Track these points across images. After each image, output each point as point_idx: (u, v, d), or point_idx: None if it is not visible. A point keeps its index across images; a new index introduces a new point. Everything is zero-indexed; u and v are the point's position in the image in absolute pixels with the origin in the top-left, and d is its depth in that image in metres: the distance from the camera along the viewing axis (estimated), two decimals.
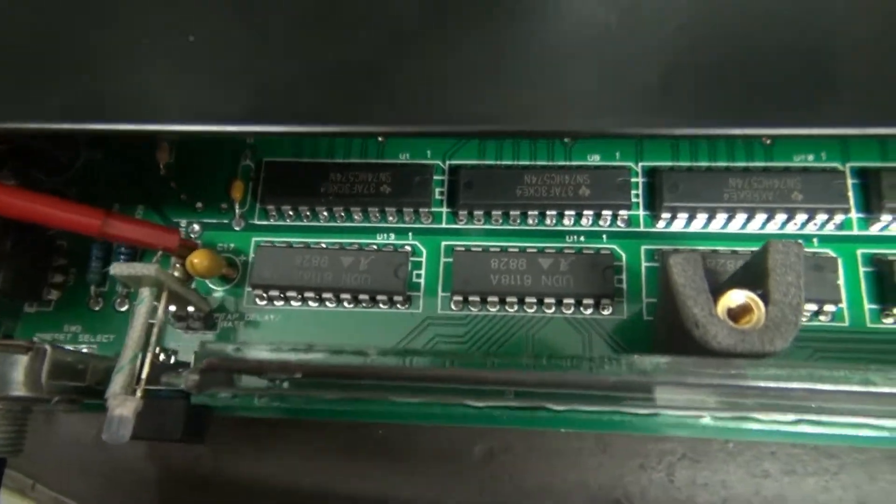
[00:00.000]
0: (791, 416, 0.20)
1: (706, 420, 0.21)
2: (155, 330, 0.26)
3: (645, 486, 0.29)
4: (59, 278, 0.31)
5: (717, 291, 0.22)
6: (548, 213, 0.29)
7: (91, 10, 0.24)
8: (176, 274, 0.29)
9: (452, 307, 0.29)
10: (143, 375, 0.25)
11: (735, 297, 0.21)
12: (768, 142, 0.30)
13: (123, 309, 0.30)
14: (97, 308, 0.30)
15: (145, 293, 0.26)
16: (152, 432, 0.26)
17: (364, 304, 0.29)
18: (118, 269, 0.25)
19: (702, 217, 0.29)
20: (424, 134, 0.23)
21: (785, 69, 0.22)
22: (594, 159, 0.31)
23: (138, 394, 0.24)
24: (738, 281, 0.23)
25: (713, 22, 0.23)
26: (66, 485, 0.32)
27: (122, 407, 0.24)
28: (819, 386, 0.19)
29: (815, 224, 0.29)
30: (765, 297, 0.21)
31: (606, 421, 0.28)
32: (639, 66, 0.22)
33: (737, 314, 0.22)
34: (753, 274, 0.22)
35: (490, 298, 0.28)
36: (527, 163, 0.31)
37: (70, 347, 0.29)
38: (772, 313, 0.21)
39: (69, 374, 0.25)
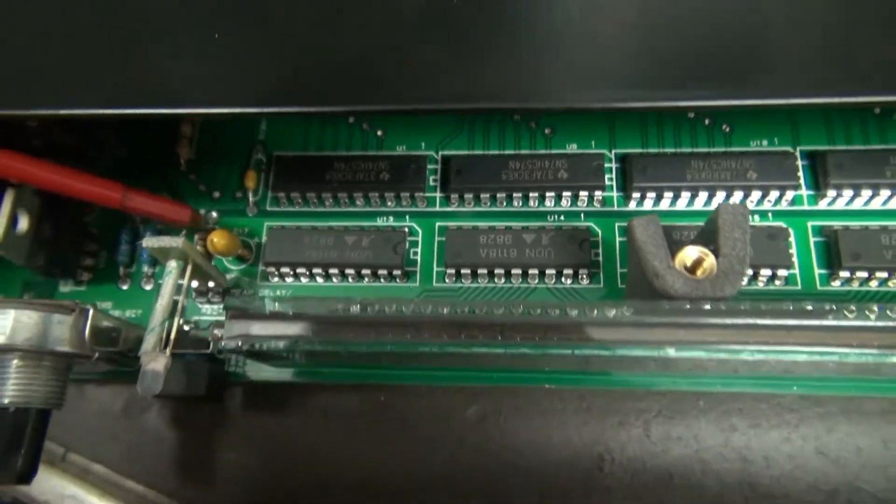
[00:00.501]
0: (740, 346, 0.23)
1: (671, 352, 0.24)
2: (182, 297, 0.29)
3: (624, 442, 0.32)
4: (91, 261, 0.34)
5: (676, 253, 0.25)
6: (530, 195, 0.33)
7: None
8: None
9: (446, 280, 0.32)
10: (172, 336, 0.28)
11: (690, 253, 0.25)
12: (727, 129, 0.34)
13: (149, 288, 0.33)
14: (125, 287, 0.33)
15: (172, 265, 0.29)
16: (180, 389, 0.29)
17: (367, 279, 0.32)
18: (149, 241, 0.28)
19: (668, 196, 0.32)
20: (423, 112, 0.26)
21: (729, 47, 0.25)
22: (572, 147, 0.34)
23: (168, 352, 0.27)
24: (695, 242, 0.26)
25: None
26: (95, 452, 0.34)
27: (154, 362, 0.27)
28: (761, 320, 0.22)
29: (770, 201, 0.32)
30: (716, 252, 0.25)
31: (588, 378, 0.31)
32: (604, 45, 0.25)
33: (692, 268, 0.25)
34: (707, 233, 0.26)
35: (480, 271, 0.31)
36: (511, 152, 0.34)
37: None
38: (721, 264, 0.24)
39: (105, 338, 0.28)
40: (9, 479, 0.26)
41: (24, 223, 0.30)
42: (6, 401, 0.26)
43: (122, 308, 0.33)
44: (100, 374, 0.33)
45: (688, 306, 0.23)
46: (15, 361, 0.26)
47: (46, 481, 0.35)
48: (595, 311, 0.24)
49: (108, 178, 0.31)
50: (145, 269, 0.34)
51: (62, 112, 0.25)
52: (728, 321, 0.23)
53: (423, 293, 0.32)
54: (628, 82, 0.25)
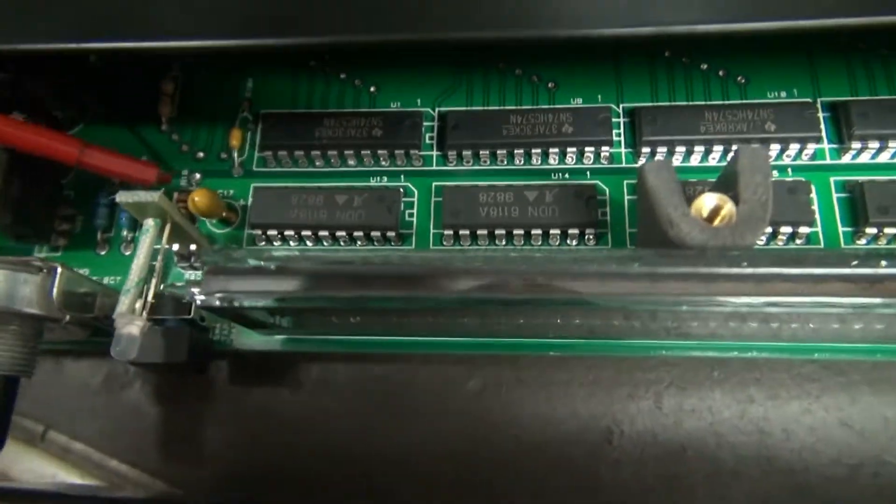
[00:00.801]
0: (760, 299, 0.21)
1: (685, 308, 0.22)
2: (159, 258, 0.27)
3: (633, 414, 0.30)
4: (67, 226, 0.32)
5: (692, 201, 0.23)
6: (533, 151, 0.31)
7: None
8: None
9: (444, 242, 0.30)
10: (149, 299, 0.26)
11: (707, 200, 0.23)
12: (742, 80, 0.31)
13: (128, 253, 0.31)
14: (103, 252, 0.32)
15: (150, 223, 0.27)
16: (159, 356, 0.27)
17: (359, 242, 0.30)
18: (124, 196, 0.26)
19: (680, 151, 0.30)
20: (405, 43, 0.24)
21: None
22: (577, 102, 0.32)
23: (144, 315, 0.26)
24: (713, 190, 0.24)
25: None
26: (74, 429, 0.33)
27: (130, 326, 0.25)
28: (784, 270, 0.20)
29: (789, 155, 0.30)
30: (735, 199, 0.23)
31: (595, 345, 0.29)
32: None
33: (710, 217, 0.23)
34: (726, 179, 0.24)
35: (479, 232, 0.29)
36: (512, 107, 0.32)
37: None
38: (741, 211, 0.22)
39: (79, 302, 0.26)
40: None
41: None
42: None
43: (99, 274, 0.31)
44: (77, 345, 0.31)
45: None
46: None
47: (27, 461, 0.33)
48: (601, 263, 0.22)
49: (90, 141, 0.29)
50: (124, 233, 0.32)
51: (22, 47, 0.24)
52: (749, 271, 0.21)
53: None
54: (630, 6, 0.23)
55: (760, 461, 0.29)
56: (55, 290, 0.24)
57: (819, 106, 0.31)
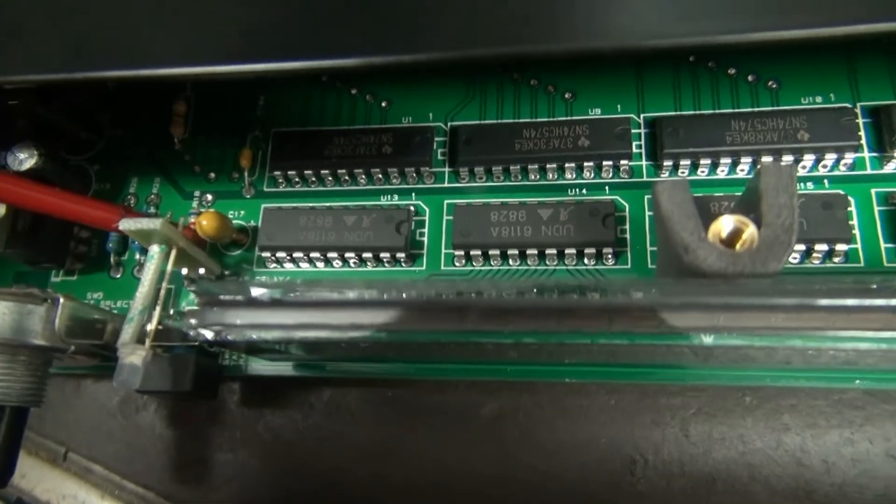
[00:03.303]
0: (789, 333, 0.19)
1: (708, 340, 0.20)
2: (164, 284, 0.27)
3: (658, 442, 0.29)
4: (82, 249, 0.32)
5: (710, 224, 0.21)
6: (548, 166, 0.29)
7: None
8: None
9: (455, 263, 0.29)
10: (152, 327, 0.26)
11: (726, 223, 0.21)
12: (773, 85, 0.29)
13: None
14: (117, 276, 0.32)
15: (154, 249, 0.27)
16: (164, 384, 0.27)
17: (369, 264, 0.30)
18: (127, 224, 0.26)
19: (705, 164, 0.28)
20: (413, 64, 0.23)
21: None
22: (595, 113, 0.30)
23: (147, 344, 0.25)
24: (733, 212, 0.22)
25: None
26: (92, 451, 0.33)
27: (133, 355, 0.25)
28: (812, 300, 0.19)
29: (825, 166, 0.28)
30: (758, 222, 0.21)
31: (616, 371, 0.27)
32: None
33: (729, 240, 0.21)
34: (748, 201, 0.22)
35: (491, 252, 0.28)
36: (526, 120, 0.31)
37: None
38: (764, 234, 0.20)
39: (86, 329, 0.26)
40: None
41: (0, 208, 0.28)
42: None
43: (113, 298, 0.31)
44: (95, 369, 0.31)
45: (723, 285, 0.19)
46: None
47: (49, 480, 0.34)
48: (618, 294, 0.20)
49: (103, 163, 0.29)
50: (137, 256, 0.32)
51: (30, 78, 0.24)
52: (774, 301, 0.19)
53: (429, 278, 0.29)
54: (652, 17, 0.21)
55: (798, 496, 0.27)
56: (58, 321, 0.24)
57: (858, 111, 0.28)
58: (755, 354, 0.25)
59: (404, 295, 0.21)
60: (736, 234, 0.21)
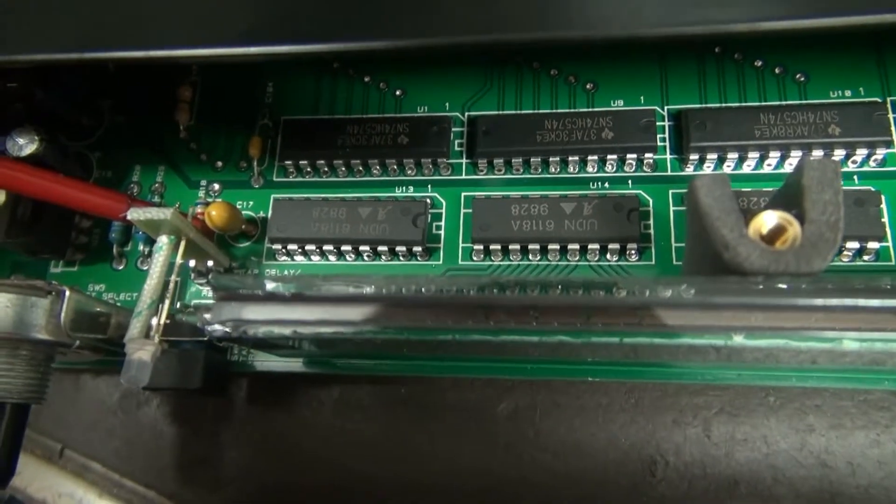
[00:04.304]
0: (830, 332, 0.18)
1: (739, 339, 0.20)
2: (173, 277, 0.26)
3: (679, 443, 0.28)
4: (84, 239, 0.31)
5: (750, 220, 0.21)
6: (570, 159, 0.29)
7: None
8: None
9: (473, 258, 0.28)
10: (161, 321, 0.25)
11: (768, 219, 0.20)
12: (801, 78, 0.29)
13: (146, 268, 0.30)
14: (120, 267, 0.30)
15: (163, 240, 0.26)
16: (173, 381, 0.26)
17: (384, 257, 0.29)
18: (135, 214, 0.25)
19: (732, 158, 0.27)
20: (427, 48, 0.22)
21: None
22: (618, 104, 0.30)
23: (156, 339, 0.24)
24: (772, 207, 0.22)
25: None
26: (92, 448, 0.32)
27: (141, 351, 0.24)
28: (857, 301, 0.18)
29: (855, 162, 0.27)
30: (800, 218, 0.20)
31: (637, 370, 0.27)
32: None
33: (771, 238, 0.20)
34: (788, 196, 0.21)
35: (511, 246, 0.27)
36: (548, 111, 0.30)
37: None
38: (808, 231, 0.20)
39: (91, 323, 0.25)
40: None
41: (0, 195, 0.27)
42: None
43: (115, 290, 0.30)
44: (95, 364, 0.30)
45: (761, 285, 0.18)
46: None
47: (43, 479, 0.33)
48: (648, 291, 0.19)
49: (105, 151, 0.28)
50: (141, 247, 0.30)
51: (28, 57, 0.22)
52: (816, 302, 0.18)
53: (446, 273, 0.28)
54: (671, 5, 0.20)
55: (823, 498, 0.27)
56: (63, 315, 0.23)
57: (889, 106, 0.28)
58: (780, 354, 0.24)
59: (424, 290, 0.20)
60: (777, 232, 0.20)
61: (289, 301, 0.21)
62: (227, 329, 0.21)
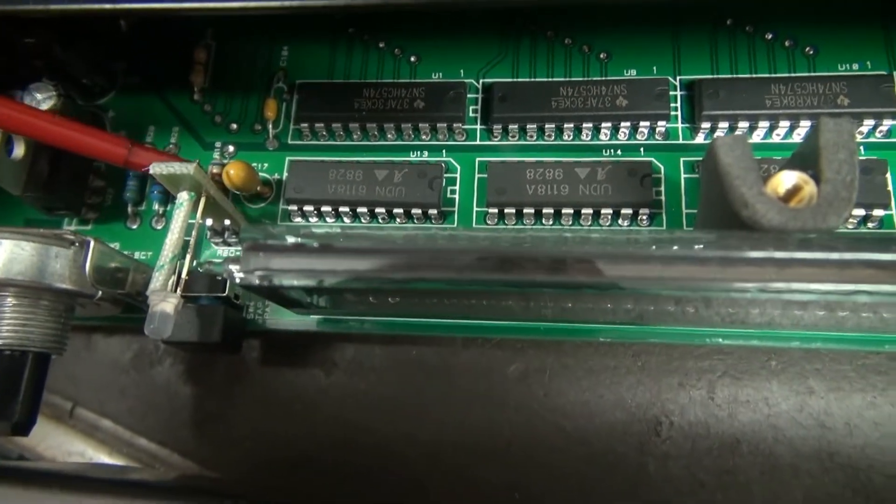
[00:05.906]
0: (845, 286, 0.19)
1: (750, 294, 0.20)
2: (194, 234, 0.26)
3: (684, 404, 0.29)
4: (97, 198, 0.31)
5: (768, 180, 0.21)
6: (584, 126, 0.29)
7: None
8: None
9: (487, 221, 0.29)
10: (183, 275, 0.25)
11: (785, 179, 0.21)
12: (811, 51, 0.29)
13: (160, 227, 0.30)
14: (134, 226, 0.31)
15: (184, 196, 0.26)
16: (193, 335, 0.26)
17: (399, 220, 0.29)
18: (158, 168, 0.25)
19: (742, 127, 0.28)
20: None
21: None
22: (631, 73, 0.30)
23: (178, 292, 0.24)
24: (789, 167, 0.22)
25: None
26: (104, 406, 0.32)
27: (164, 303, 0.24)
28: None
29: (862, 132, 0.28)
30: (816, 178, 0.21)
31: (647, 330, 0.27)
32: None
33: (788, 197, 0.21)
34: (804, 156, 0.22)
35: (526, 210, 0.28)
36: (562, 79, 0.30)
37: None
38: (824, 191, 0.20)
39: (111, 278, 0.25)
40: (4, 429, 0.23)
41: (20, 149, 0.27)
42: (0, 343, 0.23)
43: (130, 249, 0.30)
44: (108, 321, 0.30)
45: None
46: (9, 299, 0.23)
47: (53, 437, 0.33)
48: (674, 245, 0.20)
49: (119, 111, 0.28)
50: (156, 206, 0.30)
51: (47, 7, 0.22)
52: (833, 256, 0.19)
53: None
54: None
55: (821, 457, 0.28)
56: (88, 265, 0.23)
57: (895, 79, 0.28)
58: (782, 321, 0.25)
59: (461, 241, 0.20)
60: (795, 190, 0.21)
61: (317, 251, 0.21)
62: (256, 279, 0.21)
